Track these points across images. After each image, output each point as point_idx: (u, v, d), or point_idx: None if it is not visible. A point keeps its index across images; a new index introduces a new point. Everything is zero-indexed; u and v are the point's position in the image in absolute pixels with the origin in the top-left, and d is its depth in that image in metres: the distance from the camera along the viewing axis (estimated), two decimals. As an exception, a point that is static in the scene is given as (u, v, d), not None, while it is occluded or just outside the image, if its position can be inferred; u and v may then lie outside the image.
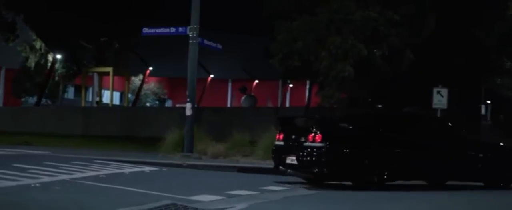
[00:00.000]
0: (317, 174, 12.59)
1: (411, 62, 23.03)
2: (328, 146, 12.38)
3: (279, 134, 13.54)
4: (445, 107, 23.80)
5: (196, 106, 19.81)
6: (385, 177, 12.71)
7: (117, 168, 13.65)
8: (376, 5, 22.19)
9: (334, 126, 13.47)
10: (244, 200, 10.18)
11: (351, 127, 13.33)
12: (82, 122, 34.57)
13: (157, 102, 62.16)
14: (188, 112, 18.80)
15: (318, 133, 12.45)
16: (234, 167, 16.35)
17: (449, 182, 14.29)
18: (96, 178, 11.48)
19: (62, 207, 8.37)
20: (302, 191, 11.85)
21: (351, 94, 23.00)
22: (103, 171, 12.68)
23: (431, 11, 23.48)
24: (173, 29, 19.19)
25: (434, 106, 23.80)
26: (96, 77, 45.26)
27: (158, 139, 19.98)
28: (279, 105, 58.75)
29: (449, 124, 14.14)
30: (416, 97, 27.45)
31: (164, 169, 14.93)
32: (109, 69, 40.42)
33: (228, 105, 62.41)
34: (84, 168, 13.24)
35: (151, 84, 61.70)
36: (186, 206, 8.95)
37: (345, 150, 12.63)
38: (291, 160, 12.94)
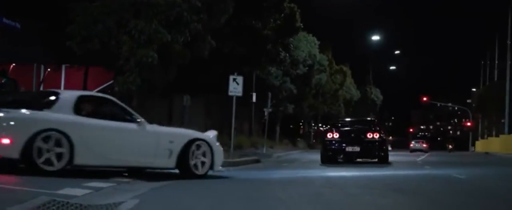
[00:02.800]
0: (374, 156, 21.83)
1: (212, 49, 23.13)
2: (381, 139, 21.74)
3: (334, 133, 22.09)
4: (240, 94, 24.30)
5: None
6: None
7: None
8: (179, -11, 21.84)
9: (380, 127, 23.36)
10: (112, 192, 9.49)
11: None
12: None
13: None
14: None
15: (376, 131, 21.99)
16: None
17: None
18: None
19: None
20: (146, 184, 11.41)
21: (153, 80, 22.41)
22: None
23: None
24: (-33, 5, 17.15)
25: (230, 93, 24.18)
26: None
27: None
28: (34, 89, 55.90)
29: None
30: (216, 84, 27.73)
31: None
32: None
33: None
34: None
35: None
36: (67, 202, 8.04)
37: (385, 141, 22.39)
38: (352, 149, 21.46)
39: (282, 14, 33.04)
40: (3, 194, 8.32)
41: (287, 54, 34.30)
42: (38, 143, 10.21)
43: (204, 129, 31.87)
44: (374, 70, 74.88)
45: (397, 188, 11.37)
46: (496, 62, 52.33)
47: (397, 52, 77.54)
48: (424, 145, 67.54)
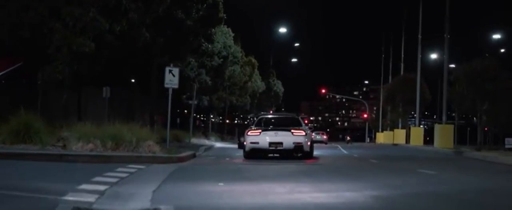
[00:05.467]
0: None
1: (147, 40, 22.17)
2: None
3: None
4: (176, 86, 23.47)
5: None
6: None
7: None
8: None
9: None
10: (120, 195, 8.65)
11: None
12: None
13: None
14: None
15: None
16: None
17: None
18: None
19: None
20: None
21: (84, 71, 21.23)
22: None
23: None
24: None
25: (166, 85, 23.30)
26: None
27: None
28: None
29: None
30: (145, 75, 26.72)
31: None
32: None
33: None
34: None
35: None
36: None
37: None
38: None
39: (205, 5, 32.21)
40: (15, 203, 7.35)
41: (209, 46, 33.58)
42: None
43: (108, 121, 31.12)
44: (274, 62, 75.29)
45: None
46: (402, 55, 53.86)
47: (296, 44, 78.04)
48: (324, 137, 68.26)
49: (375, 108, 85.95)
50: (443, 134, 31.57)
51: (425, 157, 22.55)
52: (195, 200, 8.62)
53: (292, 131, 19.88)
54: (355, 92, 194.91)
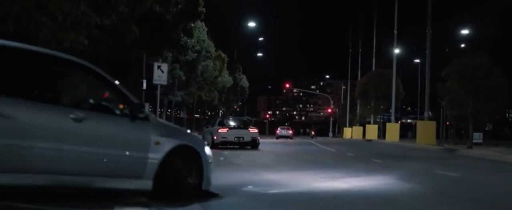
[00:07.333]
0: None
1: (136, 35, 21.23)
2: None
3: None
4: (165, 82, 22.70)
5: None
6: None
7: None
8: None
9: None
10: None
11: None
12: None
13: None
14: None
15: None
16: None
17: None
18: None
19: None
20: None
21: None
22: None
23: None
24: None
25: (155, 82, 22.51)
26: None
27: None
28: None
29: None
30: (120, 71, 25.64)
31: None
32: None
33: None
34: None
35: None
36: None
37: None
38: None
39: (185, -2, 31.29)
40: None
41: (188, 40, 32.71)
42: None
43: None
44: (239, 57, 74.56)
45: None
46: (374, 50, 53.72)
47: (261, 39, 77.34)
48: (290, 132, 67.67)
49: (332, 102, 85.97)
50: (425, 131, 31.37)
51: (422, 156, 22.10)
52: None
53: (249, 129, 27.79)
54: (312, 87, 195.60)
